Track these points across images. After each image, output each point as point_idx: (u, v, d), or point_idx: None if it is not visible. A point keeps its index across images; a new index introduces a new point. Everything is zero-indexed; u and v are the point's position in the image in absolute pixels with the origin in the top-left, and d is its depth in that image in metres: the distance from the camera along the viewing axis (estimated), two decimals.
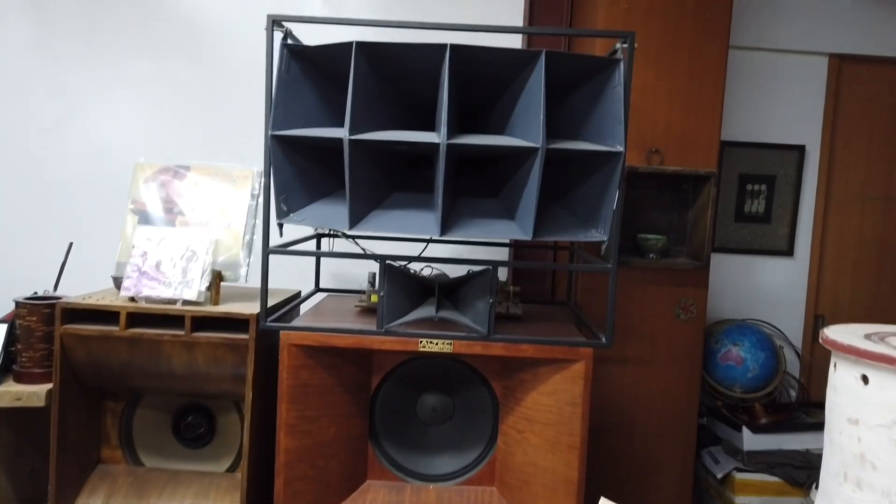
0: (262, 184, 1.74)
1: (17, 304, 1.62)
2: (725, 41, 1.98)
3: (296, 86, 1.53)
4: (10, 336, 1.66)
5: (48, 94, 2.22)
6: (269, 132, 1.50)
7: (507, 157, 1.56)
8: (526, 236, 1.44)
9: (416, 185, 1.66)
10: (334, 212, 1.56)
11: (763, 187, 2.42)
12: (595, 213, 1.52)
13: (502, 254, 2.33)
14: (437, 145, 1.38)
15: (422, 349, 1.54)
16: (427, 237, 1.44)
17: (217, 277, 1.63)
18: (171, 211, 1.70)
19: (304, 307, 1.93)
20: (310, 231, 2.00)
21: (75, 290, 1.92)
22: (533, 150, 1.38)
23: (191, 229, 1.67)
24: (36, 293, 1.88)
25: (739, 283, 2.46)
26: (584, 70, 1.48)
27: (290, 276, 2.08)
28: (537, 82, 1.39)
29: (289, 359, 1.55)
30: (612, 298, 1.53)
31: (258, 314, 1.58)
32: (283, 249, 1.60)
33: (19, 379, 1.63)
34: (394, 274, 1.54)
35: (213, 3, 2.25)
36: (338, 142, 1.44)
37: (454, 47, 1.37)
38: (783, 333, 2.45)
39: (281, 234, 1.63)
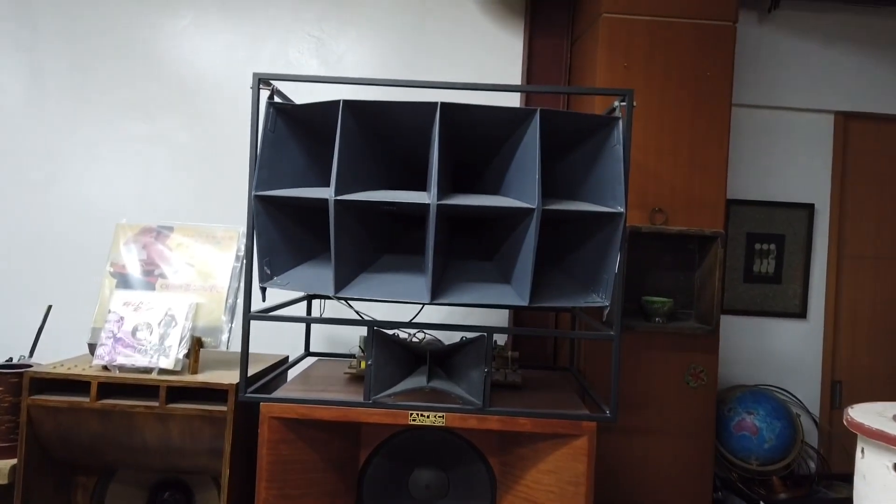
0: (246, 245, 1.67)
1: None
2: (728, 98, 1.94)
3: (282, 144, 1.48)
4: None
5: (35, 152, 2.18)
6: (253, 192, 1.43)
7: (501, 217, 1.48)
8: (522, 302, 1.35)
9: (407, 246, 1.59)
10: (320, 275, 1.48)
11: (772, 247, 2.33)
12: (595, 276, 1.43)
13: (501, 316, 2.24)
14: (426, 206, 1.31)
15: (412, 422, 1.43)
16: (414, 302, 1.35)
17: (196, 344, 1.54)
18: (152, 273, 1.63)
19: (292, 373, 1.84)
20: (299, 292, 1.92)
21: (52, 355, 1.83)
22: (528, 212, 1.31)
23: (171, 293, 1.60)
24: (10, 359, 1.80)
25: (750, 346, 2.35)
26: (582, 128, 1.42)
27: (281, 339, 1.99)
28: (532, 141, 1.33)
29: (269, 432, 1.44)
30: (616, 369, 1.43)
31: (238, 384, 1.48)
32: (266, 315, 1.52)
33: None
34: (383, 341, 1.45)
35: (206, 63, 2.23)
36: (323, 202, 1.37)
37: (445, 105, 1.32)
38: (799, 400, 2.32)
39: (264, 299, 1.55)
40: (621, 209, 1.36)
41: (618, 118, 1.40)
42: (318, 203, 1.45)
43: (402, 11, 2.26)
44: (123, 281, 1.62)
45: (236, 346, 1.63)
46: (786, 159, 2.36)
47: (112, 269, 1.63)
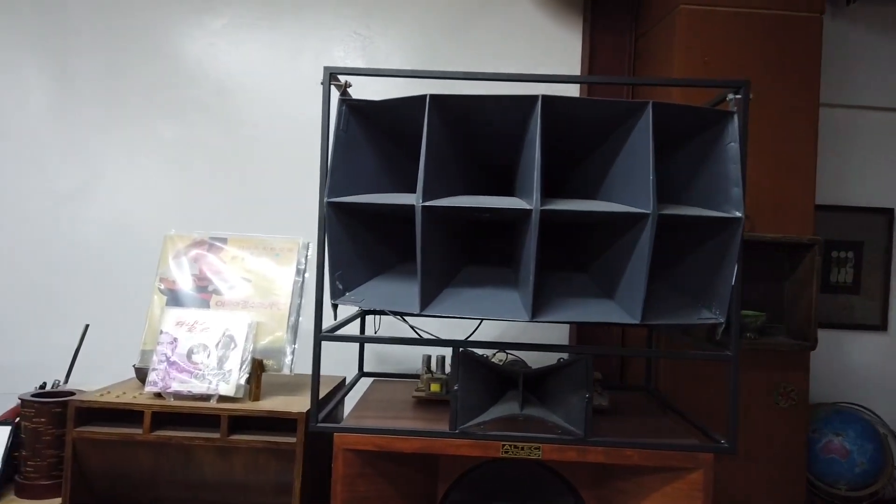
0: (308, 257, 1.53)
1: (23, 402, 1.38)
2: (816, 95, 1.80)
3: (354, 146, 1.34)
4: (15, 438, 1.41)
5: (67, 161, 2.04)
6: (326, 199, 1.29)
7: (600, 224, 1.34)
8: (632, 320, 1.20)
9: (488, 257, 1.44)
10: (397, 290, 1.34)
11: (850, 254, 2.19)
12: (707, 289, 1.28)
13: (559, 333, 2.09)
14: (527, 212, 1.16)
15: (504, 455, 1.28)
16: (513, 319, 1.21)
17: (258, 368, 1.39)
18: (206, 289, 1.48)
19: (347, 396, 1.69)
20: (353, 309, 1.77)
21: (90, 380, 1.68)
22: (641, 217, 1.17)
23: (228, 311, 1.45)
24: (44, 385, 1.65)
25: (828, 361, 2.20)
26: (693, 124, 1.28)
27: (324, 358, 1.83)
28: (644, 138, 1.18)
29: (344, 467, 1.29)
30: (734, 394, 1.28)
31: (308, 412, 1.33)
32: (339, 336, 1.37)
33: (21, 492, 1.37)
34: (470, 363, 1.30)
35: (245, 64, 2.09)
36: (404, 210, 1.23)
37: (547, 99, 1.18)
38: (882, 420, 2.17)
39: (335, 317, 1.40)
40: (739, 214, 1.22)
41: (733, 112, 1.25)
42: (396, 210, 1.32)
43: (451, 7, 2.13)
44: (174, 298, 1.47)
45: (297, 369, 1.49)
46: (863, 161, 2.22)
47: (162, 286, 1.48)
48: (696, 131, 1.30)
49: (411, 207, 1.20)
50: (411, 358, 2.05)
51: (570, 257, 1.42)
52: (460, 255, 1.39)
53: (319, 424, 1.31)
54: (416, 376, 1.88)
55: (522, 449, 1.28)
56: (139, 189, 2.04)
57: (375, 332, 1.79)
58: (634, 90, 2.01)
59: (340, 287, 1.33)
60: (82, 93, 2.06)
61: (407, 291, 1.31)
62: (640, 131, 1.20)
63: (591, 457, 1.27)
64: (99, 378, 1.72)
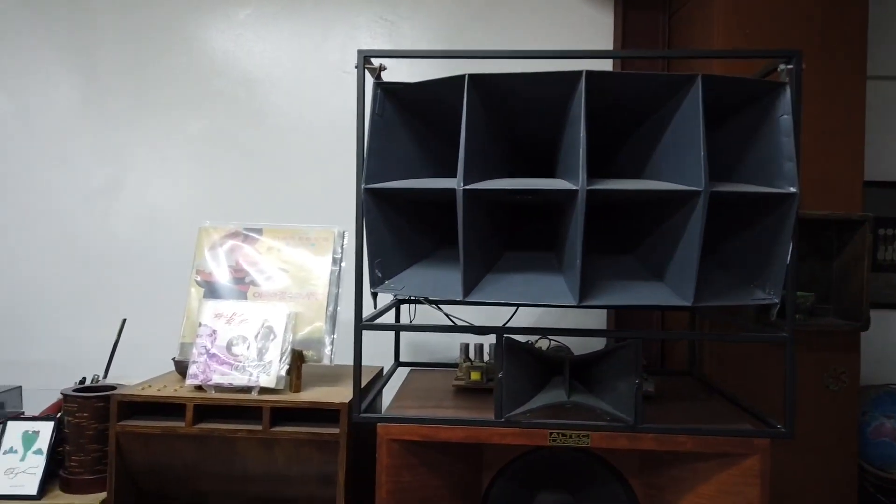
0: (345, 246, 1.50)
1: (66, 396, 1.38)
2: (863, 67, 1.73)
3: (390, 131, 1.31)
4: (58, 433, 1.41)
5: (96, 156, 2.04)
6: (363, 185, 1.26)
7: (648, 204, 1.30)
8: (684, 302, 1.16)
9: (529, 242, 1.41)
10: (437, 278, 1.31)
11: None
12: (759, 269, 1.24)
13: (597, 318, 2.04)
14: (573, 193, 1.12)
15: (553, 443, 1.25)
16: (560, 305, 1.17)
17: (298, 359, 1.37)
18: (243, 281, 1.47)
19: (385, 387, 1.67)
20: (387, 297, 1.75)
21: (129, 375, 1.68)
22: (693, 195, 1.12)
23: (266, 302, 1.43)
24: (84, 380, 1.65)
25: (876, 341, 2.13)
26: (743, 98, 1.23)
27: (347, 346, 1.81)
28: (692, 112, 1.14)
29: (388, 457, 1.27)
30: (791, 376, 1.23)
31: (350, 403, 1.31)
32: (377, 324, 1.34)
33: (67, 487, 1.37)
34: (514, 350, 1.26)
35: (270, 53, 2.07)
36: (443, 195, 1.20)
37: (591, 74, 1.13)
38: None
39: (375, 306, 1.38)
40: (794, 190, 1.17)
41: (785, 83, 1.20)
42: (434, 196, 1.29)
43: None
44: (211, 290, 1.46)
45: (337, 360, 1.47)
46: None
47: (198, 278, 1.47)
48: (745, 105, 1.25)
49: (450, 192, 1.17)
50: (446, 347, 2.03)
51: (615, 239, 1.37)
52: (500, 241, 1.36)
53: (362, 415, 1.29)
54: (454, 365, 1.86)
55: (570, 437, 1.24)
56: (169, 182, 2.03)
57: (410, 322, 1.76)
58: (671, 66, 1.95)
59: (380, 275, 1.30)
60: (110, 87, 2.05)
61: (447, 278, 1.28)
62: (688, 105, 1.15)
63: (643, 444, 1.24)
64: (137, 372, 1.72)
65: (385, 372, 1.74)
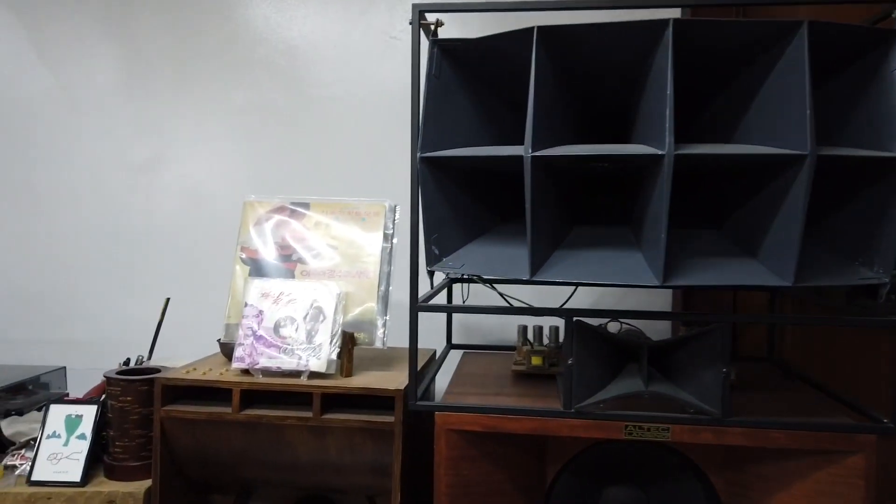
0: (396, 221, 1.40)
1: (108, 379, 1.32)
2: None
3: (447, 94, 1.19)
4: (101, 417, 1.36)
5: (138, 130, 1.97)
6: (418, 154, 1.16)
7: (737, 171, 1.16)
8: (784, 282, 1.03)
9: (598, 216, 1.28)
10: (499, 255, 1.20)
11: None
12: (865, 245, 1.09)
13: (661, 299, 1.91)
14: (658, 159, 0.99)
15: (628, 436, 1.14)
16: (641, 285, 1.05)
17: (350, 341, 1.29)
18: (290, 258, 1.38)
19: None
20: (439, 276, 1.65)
21: (174, 355, 1.63)
22: (796, 160, 0.98)
23: (314, 281, 1.34)
24: (128, 360, 1.59)
25: None
26: (850, 48, 1.07)
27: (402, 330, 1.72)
28: (796, 65, 0.99)
29: (447, 449, 1.18)
30: None
31: (405, 389, 1.22)
32: (434, 306, 1.25)
33: (111, 474, 1.31)
34: (586, 335, 1.15)
35: (314, 23, 1.96)
36: (507, 164, 1.09)
37: (679, 24, 1.00)
38: None
39: (432, 285, 1.28)
40: None
41: None
42: (496, 165, 1.17)
43: None
44: (257, 268, 1.38)
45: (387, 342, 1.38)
46: None
47: (243, 255, 1.39)
48: (851, 57, 1.09)
49: (516, 161, 1.06)
50: (500, 328, 1.92)
51: (696, 212, 1.24)
52: (568, 215, 1.24)
53: (419, 402, 1.20)
54: (509, 348, 1.76)
55: (648, 430, 1.13)
56: (211, 155, 1.95)
57: (464, 302, 1.66)
58: (746, 14, 1.77)
59: (437, 252, 1.20)
60: (149, 58, 1.97)
61: (511, 256, 1.17)
62: (791, 57, 1.00)
63: (730, 439, 1.12)
64: (183, 352, 1.66)
65: (437, 355, 1.65)
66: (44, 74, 1.96)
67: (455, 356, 1.69)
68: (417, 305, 1.20)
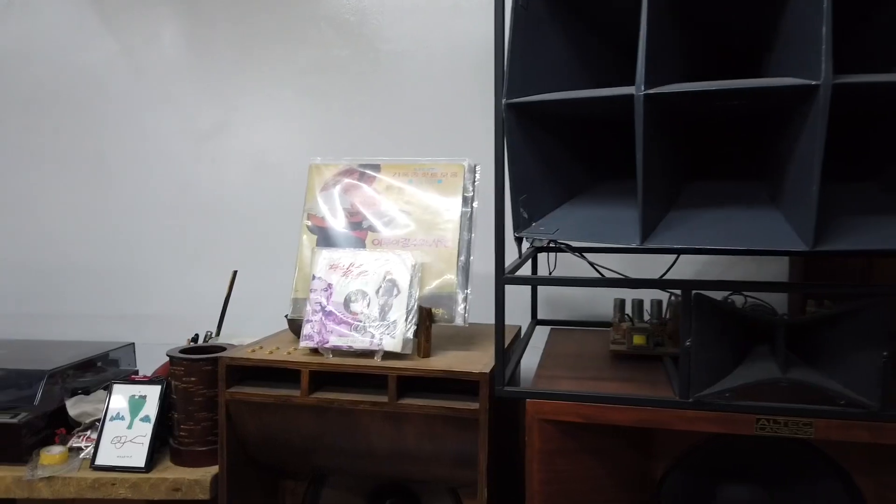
0: (476, 183, 1.25)
1: (172, 359, 1.23)
2: None
3: (536, 29, 1.02)
4: (165, 398, 1.28)
5: (202, 96, 1.88)
6: (504, 100, 0.99)
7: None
8: None
9: (718, 168, 1.08)
10: (599, 218, 1.02)
11: None
12: None
13: (776, 267, 1.68)
14: (811, 90, 0.79)
15: (759, 432, 0.95)
16: (786, 251, 0.86)
17: (427, 318, 1.15)
18: (360, 226, 1.25)
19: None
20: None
21: (242, 331, 1.54)
22: None
23: (386, 250, 1.21)
24: (196, 336, 1.52)
25: None
26: None
27: (477, 302, 1.55)
28: None
29: (540, 441, 1.03)
30: None
31: (491, 373, 1.07)
32: (523, 277, 1.09)
33: (177, 459, 1.24)
34: (708, 311, 0.96)
35: None
36: (610, 108, 0.91)
37: None
38: None
39: (520, 253, 1.12)
40: None
41: None
42: (596, 110, 0.99)
43: None
44: (324, 237, 1.26)
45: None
46: None
47: (310, 223, 1.27)
48: None
49: (618, 105, 0.88)
50: (589, 300, 1.74)
51: (844, 161, 1.02)
52: (682, 168, 1.05)
53: (508, 388, 1.05)
54: (600, 324, 1.59)
55: (786, 425, 0.94)
56: (278, 121, 1.84)
57: (550, 273, 1.49)
58: None
59: (526, 216, 1.04)
60: (213, 21, 1.87)
61: (612, 218, 1.00)
62: None
63: (891, 437, 0.91)
64: (251, 328, 1.58)
65: (522, 333, 1.49)
66: (106, 40, 1.90)
67: (540, 333, 1.53)
68: (504, 277, 1.04)
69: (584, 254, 1.32)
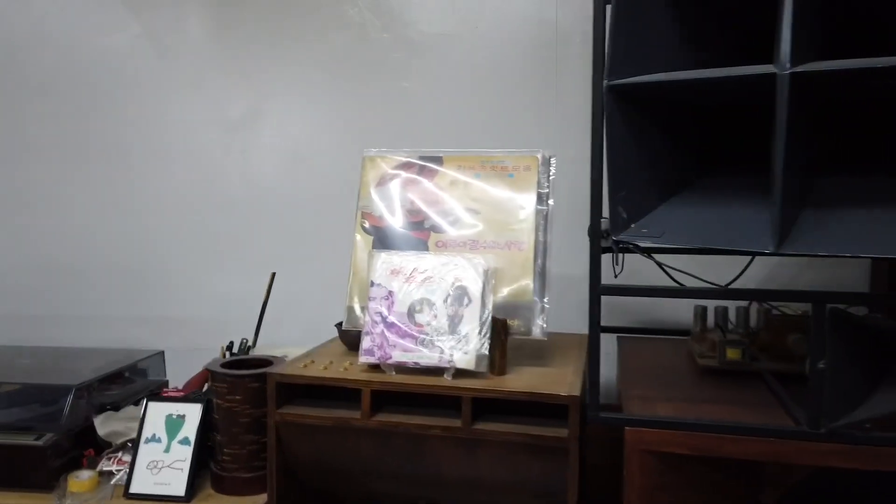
0: (552, 178, 1.11)
1: (213, 374, 1.10)
2: None
3: (642, 3, 0.88)
4: (206, 418, 1.15)
5: (231, 83, 1.74)
6: (605, 81, 0.85)
7: None
8: None
9: (854, 160, 0.95)
10: (711, 219, 0.89)
11: None
12: None
13: (851, 273, 1.53)
14: None
15: None
16: None
17: (502, 330, 1.01)
18: (421, 226, 1.12)
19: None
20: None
21: (278, 338, 1.42)
22: None
23: (453, 254, 1.07)
24: (231, 344, 1.39)
25: None
26: None
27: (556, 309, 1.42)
28: None
29: (641, 476, 0.90)
30: None
31: (583, 396, 0.94)
32: (621, 286, 0.95)
33: (220, 486, 1.11)
34: (844, 327, 0.83)
35: None
36: (741, 89, 0.77)
37: None
38: None
39: (615, 261, 0.99)
40: None
41: None
42: (719, 95, 0.86)
43: None
44: (381, 238, 1.12)
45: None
46: None
47: (366, 223, 1.14)
48: None
49: (747, 87, 0.74)
50: (650, 305, 1.60)
51: None
52: (815, 161, 0.91)
53: (604, 415, 0.91)
54: (669, 332, 1.46)
55: None
56: (313, 109, 1.70)
57: (616, 276, 1.35)
58: None
59: (625, 216, 0.90)
60: (242, 6, 1.73)
61: (729, 219, 0.87)
62: None
63: None
64: (289, 335, 1.46)
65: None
66: (129, 21, 1.76)
67: (607, 342, 1.40)
68: (600, 288, 0.91)
69: (653, 255, 1.18)
